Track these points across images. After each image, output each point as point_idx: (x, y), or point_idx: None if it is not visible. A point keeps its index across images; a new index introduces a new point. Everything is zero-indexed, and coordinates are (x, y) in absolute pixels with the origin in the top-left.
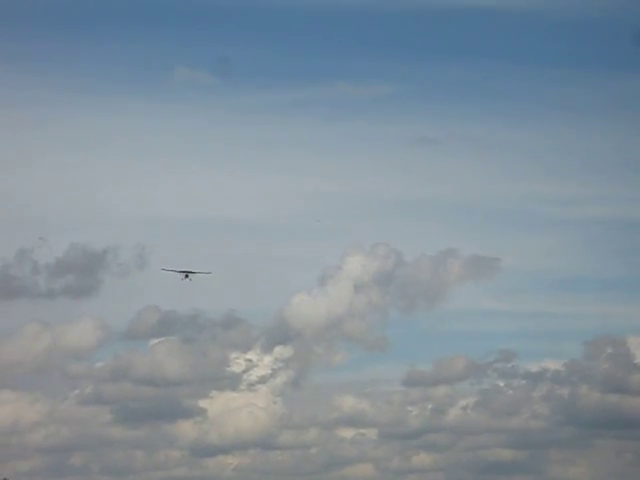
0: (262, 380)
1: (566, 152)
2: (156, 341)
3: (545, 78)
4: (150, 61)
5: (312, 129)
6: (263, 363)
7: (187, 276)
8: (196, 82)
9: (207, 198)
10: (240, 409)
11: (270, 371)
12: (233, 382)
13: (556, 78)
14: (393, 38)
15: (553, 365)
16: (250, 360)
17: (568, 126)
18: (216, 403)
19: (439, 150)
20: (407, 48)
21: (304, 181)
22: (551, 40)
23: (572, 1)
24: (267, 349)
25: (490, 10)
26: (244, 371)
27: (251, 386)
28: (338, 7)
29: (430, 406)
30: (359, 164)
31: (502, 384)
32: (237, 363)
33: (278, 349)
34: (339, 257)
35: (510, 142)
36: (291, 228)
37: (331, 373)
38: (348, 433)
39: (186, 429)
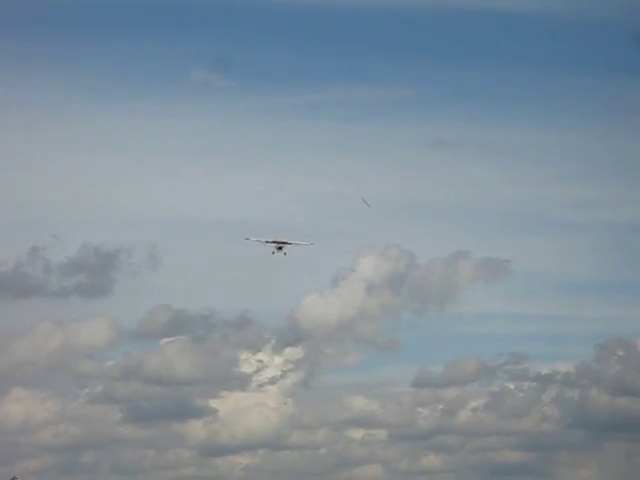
0: (272, 381)
1: (579, 156)
2: (167, 340)
3: (561, 84)
4: (166, 63)
5: (329, 131)
6: (274, 364)
7: (280, 248)
8: (212, 84)
9: (222, 199)
10: (250, 409)
11: (280, 372)
12: (243, 382)
13: (572, 84)
14: (411, 41)
15: (564, 367)
16: (261, 361)
17: (581, 131)
18: (226, 403)
19: (454, 153)
20: (425, 51)
21: (319, 182)
22: (569, 45)
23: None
24: (278, 350)
25: (507, 14)
26: (255, 372)
27: (261, 387)
28: (357, 9)
29: (440, 407)
30: (374, 166)
31: (512, 386)
32: (248, 363)
33: (289, 350)
34: (352, 259)
35: (524, 146)
36: (305, 229)
37: (342, 374)
38: (358, 434)
39: (196, 429)
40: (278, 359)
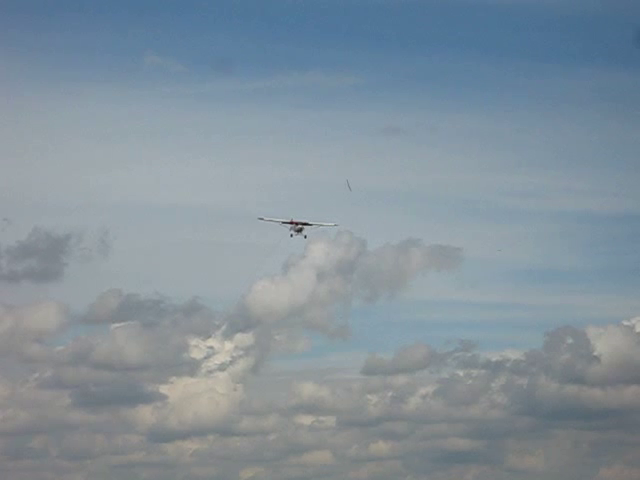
0: (222, 367)
1: (532, 145)
2: (117, 325)
3: (513, 70)
4: (119, 48)
5: (280, 117)
6: (224, 350)
7: (300, 230)
8: (165, 69)
9: (173, 185)
10: (200, 395)
11: (230, 358)
12: (193, 368)
13: (523, 70)
14: (363, 28)
15: (513, 355)
16: (211, 347)
17: (535, 119)
18: (176, 389)
19: (406, 140)
20: (376, 38)
21: (271, 169)
22: (519, 30)
23: None
24: (228, 336)
25: (457, 1)
26: (205, 357)
27: (211, 373)
28: None
29: (390, 394)
30: (325, 152)
31: (462, 373)
32: (198, 349)
33: (239, 336)
34: (303, 245)
35: (476, 133)
36: (257, 215)
37: (292, 360)
38: (307, 420)
39: (145, 414)
40: (228, 345)
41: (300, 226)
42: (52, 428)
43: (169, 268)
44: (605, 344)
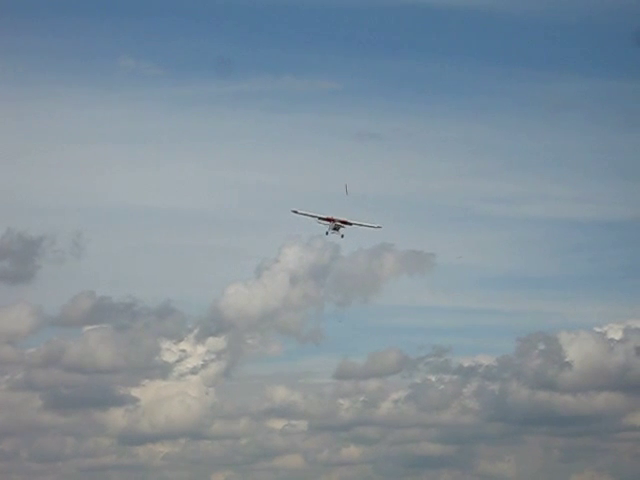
0: (194, 370)
1: (506, 151)
2: (90, 328)
3: (489, 75)
4: (93, 51)
5: (254, 121)
6: (196, 353)
7: (337, 229)
8: (139, 72)
9: (147, 188)
10: (172, 398)
11: (202, 362)
12: (165, 371)
13: (499, 75)
14: (337, 33)
15: (485, 360)
16: (183, 350)
17: (511, 125)
18: (148, 392)
19: (381, 145)
20: (352, 44)
21: (244, 173)
22: (494, 35)
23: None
24: (201, 339)
25: (431, 6)
26: (177, 361)
27: (183, 376)
28: (285, 1)
29: (361, 399)
30: (300, 157)
31: (434, 378)
32: (170, 353)
33: (211, 340)
34: (276, 249)
35: (451, 139)
36: (230, 219)
37: (264, 364)
38: (278, 424)
39: (117, 417)
40: (201, 349)
41: (338, 224)
42: (23, 430)
43: (142, 271)
44: (577, 350)
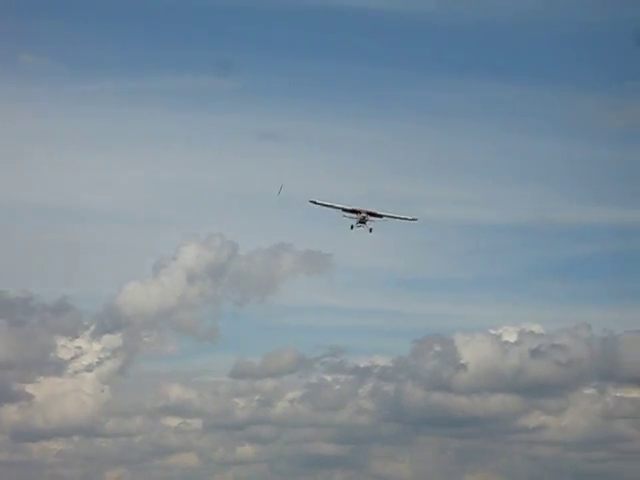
0: (89, 368)
1: (407, 153)
2: None
3: (392, 78)
4: None
5: (154, 119)
6: (92, 350)
7: (364, 221)
8: (42, 70)
9: (44, 184)
10: (66, 395)
11: (97, 359)
12: (60, 368)
13: (403, 79)
14: (240, 31)
15: (381, 361)
16: (79, 347)
17: (414, 124)
18: (43, 388)
19: (280, 145)
20: (253, 41)
21: (143, 169)
22: (397, 39)
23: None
24: (96, 336)
25: (341, 9)
26: (72, 358)
27: (78, 373)
28: None
29: (257, 398)
30: (199, 155)
31: (330, 378)
32: (66, 349)
33: (107, 337)
34: (174, 247)
35: (351, 141)
36: (129, 216)
37: (160, 362)
38: (173, 422)
39: (10, 413)
40: (96, 346)
41: (365, 215)
42: None
43: (39, 266)
44: (472, 352)
